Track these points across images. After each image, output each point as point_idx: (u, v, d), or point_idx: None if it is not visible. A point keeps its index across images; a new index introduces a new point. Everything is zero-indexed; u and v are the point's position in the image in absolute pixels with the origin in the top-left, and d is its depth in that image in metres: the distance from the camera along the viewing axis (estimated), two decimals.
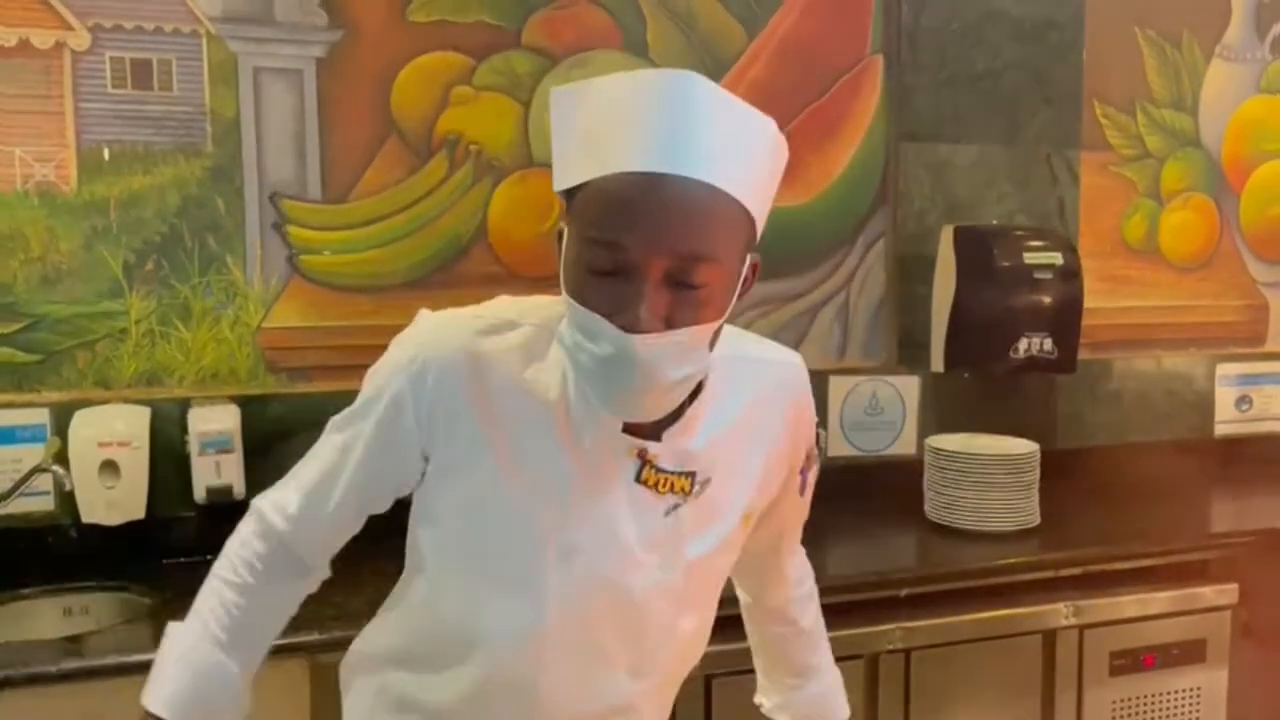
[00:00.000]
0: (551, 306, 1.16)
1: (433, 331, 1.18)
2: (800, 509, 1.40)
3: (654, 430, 1.15)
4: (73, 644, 1.85)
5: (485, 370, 1.14)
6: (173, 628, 1.27)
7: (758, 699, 1.58)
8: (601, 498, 1.15)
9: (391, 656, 1.30)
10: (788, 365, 1.29)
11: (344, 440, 1.21)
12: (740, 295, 1.11)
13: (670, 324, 1.03)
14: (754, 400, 1.22)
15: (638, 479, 1.15)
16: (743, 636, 2.06)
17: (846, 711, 1.54)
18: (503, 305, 1.21)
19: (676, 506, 1.18)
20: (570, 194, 1.08)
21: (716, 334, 1.10)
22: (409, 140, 2.43)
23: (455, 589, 1.21)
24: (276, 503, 1.24)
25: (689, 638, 1.28)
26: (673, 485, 1.16)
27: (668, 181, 1.00)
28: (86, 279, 2.24)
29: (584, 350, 1.05)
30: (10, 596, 2.09)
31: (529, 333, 1.16)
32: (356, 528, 1.27)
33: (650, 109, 1.02)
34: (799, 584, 1.50)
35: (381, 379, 1.19)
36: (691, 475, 1.17)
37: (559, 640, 1.18)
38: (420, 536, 1.24)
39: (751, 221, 1.07)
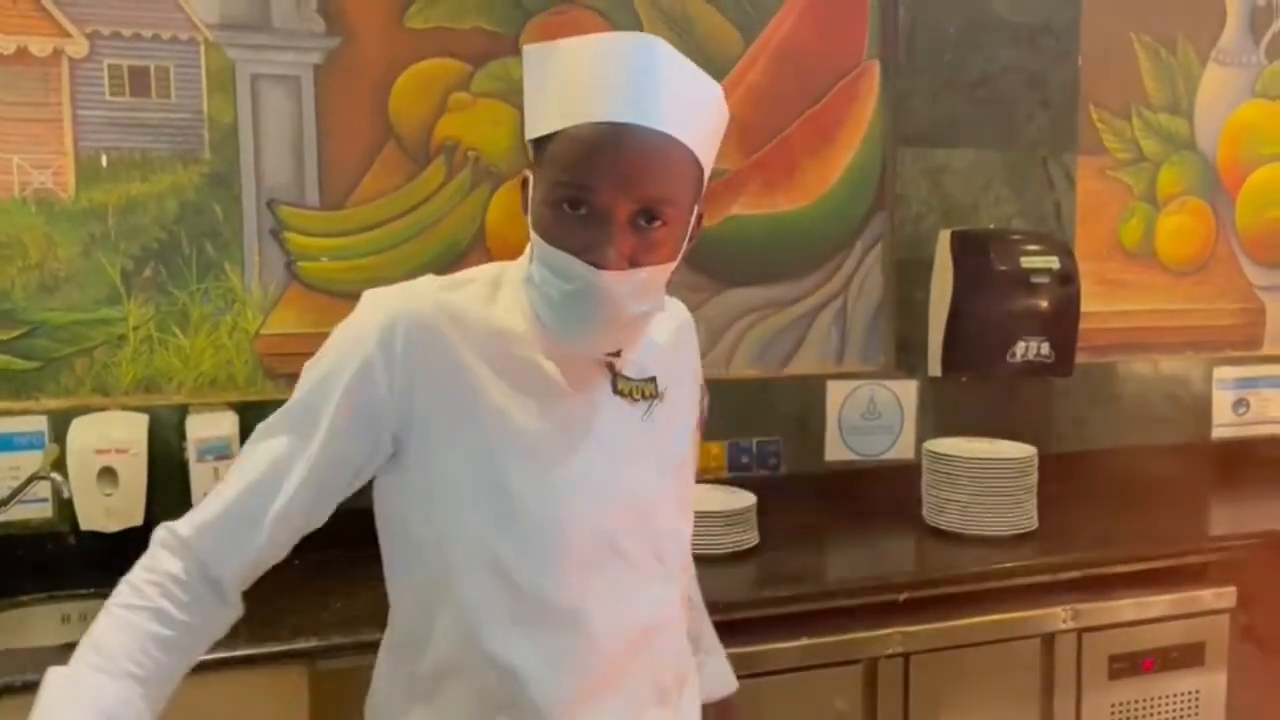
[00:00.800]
0: (497, 267, 1.27)
1: (394, 297, 1.22)
2: (698, 446, 1.50)
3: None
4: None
5: (458, 317, 1.20)
6: (61, 673, 1.13)
7: None
8: (591, 413, 1.23)
9: (425, 653, 1.26)
10: (683, 307, 1.43)
11: (287, 439, 1.19)
12: (688, 241, 1.22)
13: (633, 263, 1.13)
14: (673, 329, 1.36)
15: (615, 390, 1.26)
16: (740, 642, 2.07)
17: (736, 684, 1.61)
18: (448, 276, 1.27)
19: (650, 409, 1.29)
20: (540, 143, 1.17)
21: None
22: (407, 146, 2.43)
23: (478, 559, 1.19)
24: (191, 521, 1.18)
25: (687, 545, 1.38)
26: (643, 391, 1.28)
27: (633, 131, 1.11)
28: (84, 286, 2.24)
29: (553, 286, 1.15)
30: (8, 604, 2.09)
31: (484, 284, 1.24)
32: (289, 545, 1.21)
33: (616, 65, 1.13)
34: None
35: (337, 358, 1.20)
36: (653, 380, 1.29)
37: (591, 560, 1.22)
38: (416, 525, 1.22)
39: (701, 172, 1.18)
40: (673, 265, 1.19)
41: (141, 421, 2.20)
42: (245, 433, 2.19)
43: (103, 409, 2.23)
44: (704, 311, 2.64)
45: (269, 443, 1.20)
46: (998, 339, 2.70)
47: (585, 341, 1.19)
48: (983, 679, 2.24)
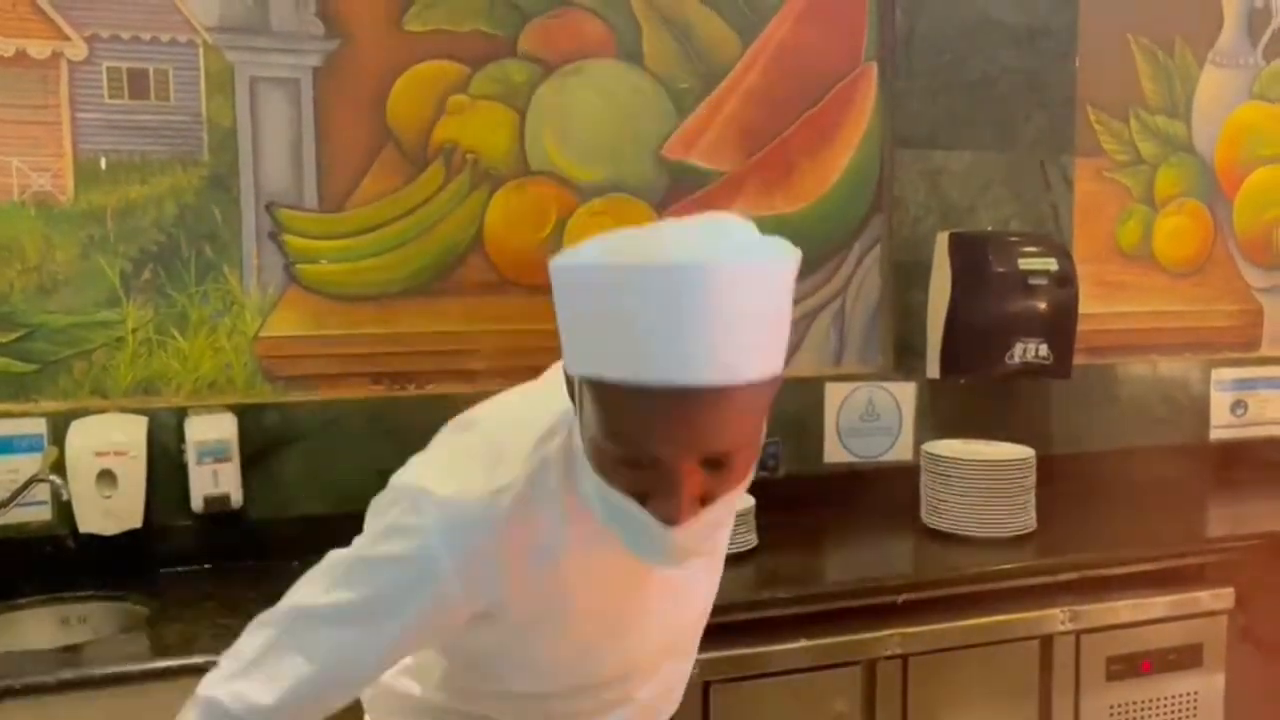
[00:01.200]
0: (550, 434, 1.09)
1: (464, 519, 1.06)
2: None
3: None
4: (70, 654, 1.85)
5: (532, 527, 1.08)
6: None
7: None
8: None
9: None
10: None
11: (349, 633, 1.09)
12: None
13: (705, 501, 0.99)
14: None
15: None
16: (740, 643, 2.07)
17: None
18: (505, 452, 1.09)
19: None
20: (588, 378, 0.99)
21: None
22: (405, 149, 2.44)
23: (545, 694, 1.22)
24: (246, 700, 1.09)
25: None
26: None
27: (704, 394, 0.92)
28: (83, 288, 2.24)
29: (615, 527, 1.01)
30: (8, 606, 2.09)
31: (557, 471, 1.08)
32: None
33: (675, 313, 0.90)
34: None
35: (402, 574, 1.07)
36: None
37: (648, 675, 1.28)
38: (477, 664, 1.20)
39: (780, 373, 1.01)
40: (748, 482, 1.03)
41: (140, 424, 2.20)
42: (244, 435, 2.23)
43: (102, 411, 2.23)
44: None
45: (329, 633, 1.09)
46: (996, 341, 2.71)
47: (659, 566, 1.08)
48: (981, 680, 2.25)
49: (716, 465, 0.97)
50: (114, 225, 2.25)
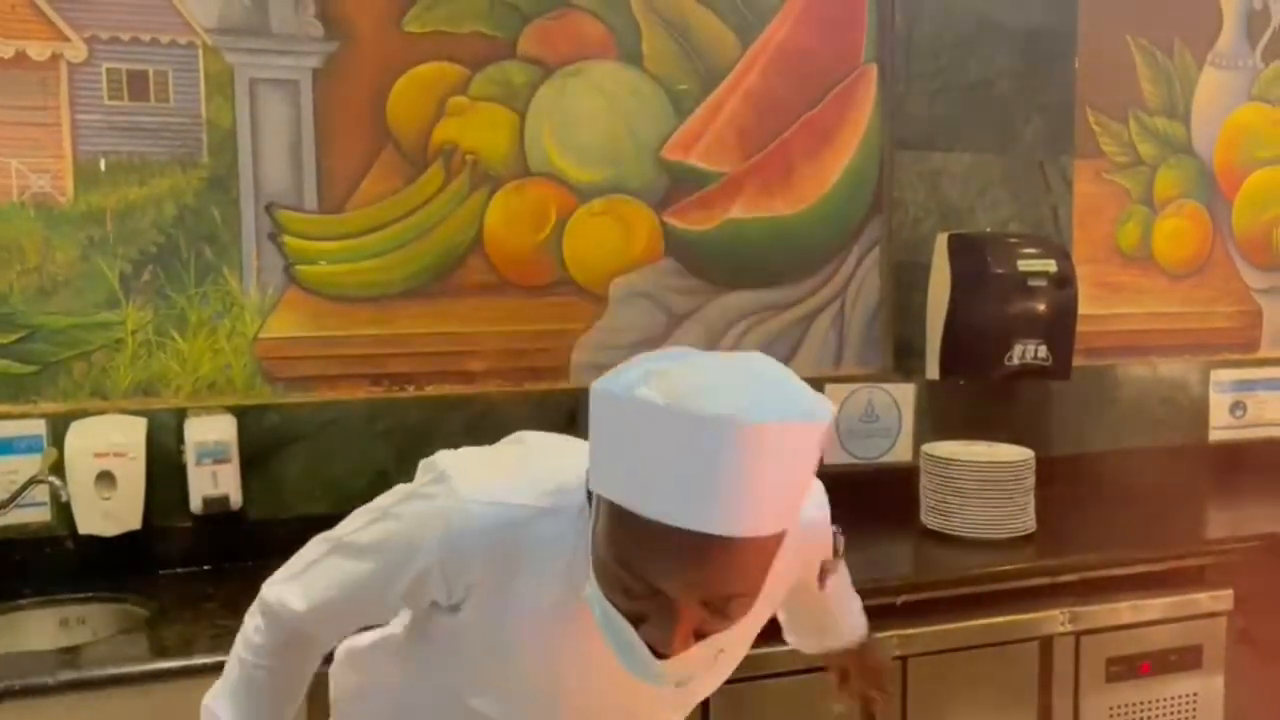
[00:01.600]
0: (574, 490, 1.10)
1: (470, 517, 1.11)
2: (834, 589, 1.48)
3: None
4: (70, 655, 1.85)
5: (523, 562, 1.11)
6: (212, 705, 1.36)
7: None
8: None
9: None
10: (813, 521, 1.22)
11: (358, 568, 1.22)
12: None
13: (700, 635, 1.01)
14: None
15: None
16: None
17: (863, 631, 1.68)
18: (535, 480, 1.13)
19: None
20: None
21: None
22: (405, 150, 2.44)
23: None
24: (283, 599, 1.29)
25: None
26: None
27: (724, 544, 0.94)
28: (83, 290, 2.24)
29: (607, 637, 1.03)
30: (7, 607, 2.09)
31: (568, 518, 1.10)
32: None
33: (713, 465, 0.92)
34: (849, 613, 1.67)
35: (405, 543, 1.15)
36: None
37: None
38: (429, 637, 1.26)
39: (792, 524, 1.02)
40: (752, 639, 1.07)
41: (140, 425, 2.20)
42: (243, 437, 2.23)
43: (101, 413, 2.23)
44: (702, 315, 2.63)
45: (354, 564, 1.23)
46: (995, 342, 2.71)
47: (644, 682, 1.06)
48: (980, 682, 2.25)
49: (716, 608, 0.99)
50: (113, 227, 2.25)
